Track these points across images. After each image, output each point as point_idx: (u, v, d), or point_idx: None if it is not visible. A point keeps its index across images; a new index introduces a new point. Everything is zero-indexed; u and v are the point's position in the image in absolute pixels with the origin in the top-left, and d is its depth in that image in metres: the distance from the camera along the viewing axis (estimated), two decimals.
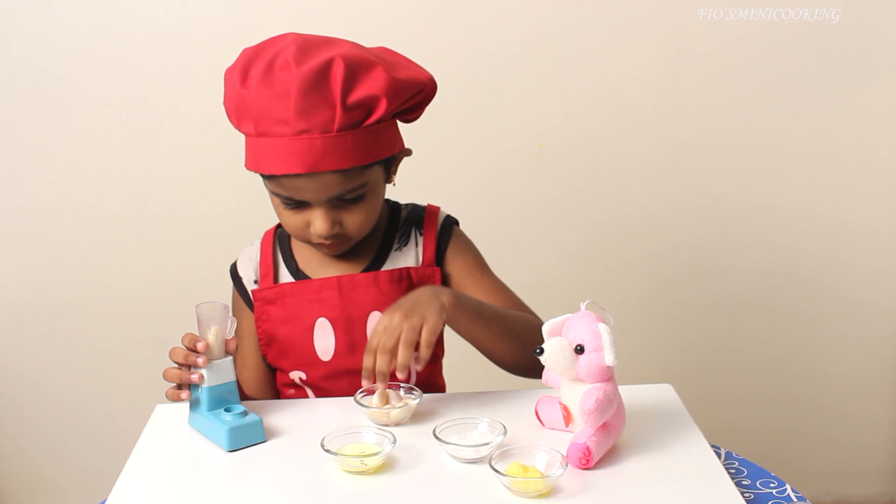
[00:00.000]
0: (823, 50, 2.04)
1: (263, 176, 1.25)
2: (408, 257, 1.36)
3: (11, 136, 2.07)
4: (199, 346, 1.16)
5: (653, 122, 2.08)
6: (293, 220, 1.26)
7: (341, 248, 1.31)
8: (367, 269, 1.34)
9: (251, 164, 1.23)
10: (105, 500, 1.08)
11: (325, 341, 1.33)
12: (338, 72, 1.16)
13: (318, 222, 1.24)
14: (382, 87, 1.19)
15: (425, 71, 1.29)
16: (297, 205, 1.25)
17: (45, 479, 2.28)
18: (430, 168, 2.05)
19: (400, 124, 1.32)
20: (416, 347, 1.16)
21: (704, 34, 2.03)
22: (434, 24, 2.01)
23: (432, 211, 1.40)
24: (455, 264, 1.38)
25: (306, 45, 1.19)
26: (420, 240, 1.37)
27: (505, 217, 2.13)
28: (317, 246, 1.30)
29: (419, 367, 1.18)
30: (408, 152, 1.33)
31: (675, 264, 2.18)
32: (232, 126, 1.26)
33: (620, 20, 2.02)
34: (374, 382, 1.18)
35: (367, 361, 1.18)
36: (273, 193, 1.26)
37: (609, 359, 1.06)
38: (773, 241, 2.16)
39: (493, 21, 2.02)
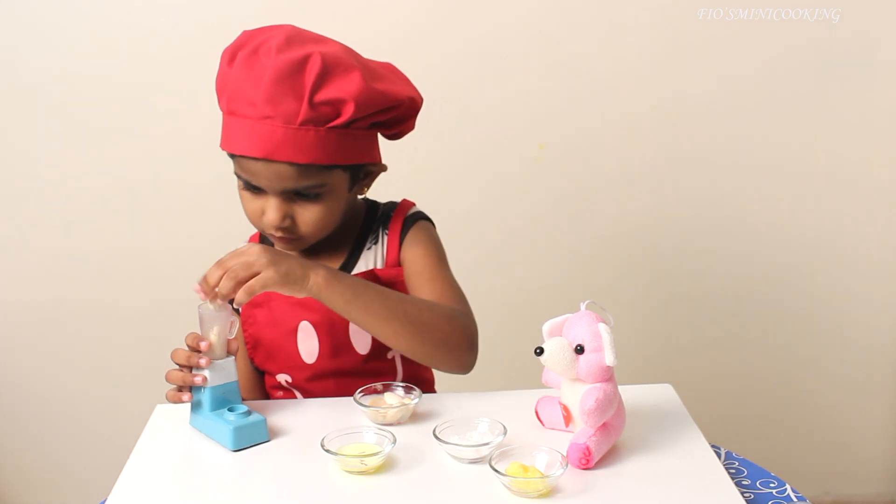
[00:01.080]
0: (823, 50, 2.04)
1: (230, 156, 1.26)
2: (377, 255, 1.36)
3: (12, 140, 2.07)
4: (203, 345, 1.16)
5: (653, 122, 2.09)
6: (250, 206, 1.27)
7: (294, 245, 1.30)
8: (341, 269, 1.34)
9: (221, 142, 1.25)
10: (105, 500, 1.08)
11: (308, 344, 1.33)
12: (313, 67, 1.17)
13: (270, 211, 1.24)
14: (353, 91, 1.18)
15: (413, 90, 1.29)
16: (255, 190, 1.25)
17: (45, 479, 2.28)
18: (430, 168, 2.05)
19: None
20: None
21: (704, 34, 2.03)
22: (435, 24, 2.02)
23: (401, 208, 1.39)
24: (407, 255, 1.35)
25: (296, 37, 1.21)
26: (385, 239, 1.37)
27: (505, 217, 2.13)
28: (271, 238, 1.31)
29: (230, 304, 1.16)
30: (382, 168, 1.33)
31: (676, 264, 2.18)
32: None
33: (620, 20, 2.02)
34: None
35: (211, 273, 1.14)
36: (236, 174, 1.27)
37: (609, 359, 1.06)
38: (774, 240, 2.16)
39: (493, 21, 2.02)
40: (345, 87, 1.18)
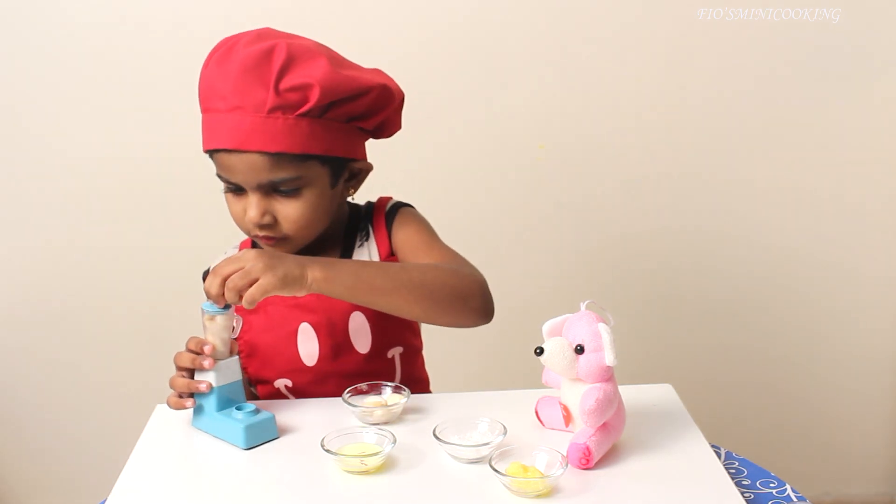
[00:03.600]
0: (823, 50, 2.04)
1: (210, 158, 1.27)
2: (370, 252, 1.36)
3: (12, 136, 2.07)
4: (206, 348, 1.15)
5: (653, 122, 2.09)
6: (234, 207, 1.28)
7: (281, 247, 1.29)
8: None
9: (202, 144, 1.26)
10: (105, 500, 1.08)
11: (309, 346, 1.33)
12: (279, 56, 1.19)
13: (250, 209, 1.24)
14: (318, 76, 1.19)
15: (388, 80, 1.28)
16: (236, 191, 1.26)
17: (44, 479, 2.28)
18: (430, 169, 2.05)
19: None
20: None
21: (704, 34, 2.03)
22: (435, 23, 2.01)
23: (380, 204, 1.40)
24: (398, 239, 1.36)
25: (267, 34, 1.23)
26: (372, 234, 1.37)
27: (505, 217, 2.13)
28: (257, 240, 1.31)
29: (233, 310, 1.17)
30: (367, 167, 1.33)
31: (676, 264, 2.18)
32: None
33: (620, 20, 2.02)
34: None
35: (210, 285, 1.13)
36: (217, 176, 1.27)
37: (609, 359, 1.06)
38: (773, 241, 2.16)
39: (493, 21, 2.02)
40: (310, 73, 1.19)
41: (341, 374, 1.33)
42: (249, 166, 1.21)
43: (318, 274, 1.15)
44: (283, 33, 1.26)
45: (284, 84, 1.18)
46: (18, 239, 2.13)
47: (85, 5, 1.99)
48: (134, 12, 2.00)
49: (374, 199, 1.43)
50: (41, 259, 2.14)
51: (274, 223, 1.26)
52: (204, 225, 2.09)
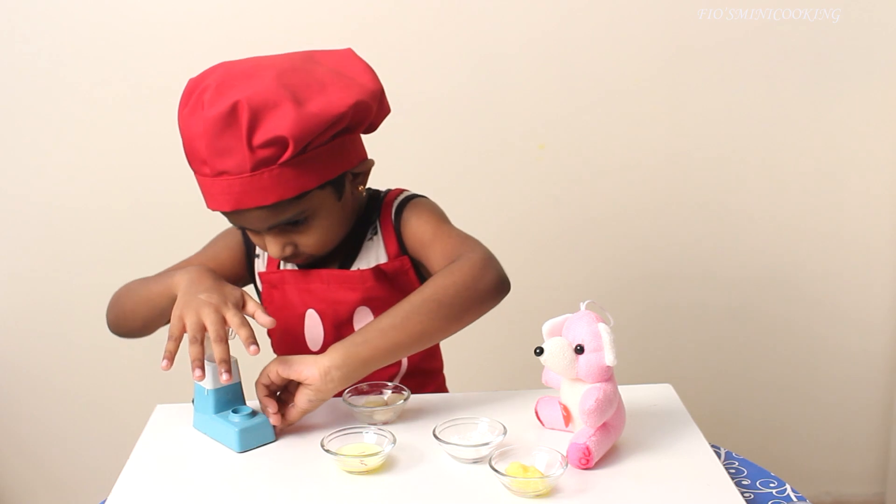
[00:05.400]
0: (823, 50, 2.04)
1: None
2: (378, 249, 1.35)
3: (12, 133, 2.07)
4: (196, 374, 1.15)
5: (653, 122, 2.08)
6: (255, 240, 1.31)
7: (308, 259, 1.32)
8: (343, 260, 1.35)
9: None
10: (105, 500, 1.08)
11: (314, 332, 1.34)
12: (243, 115, 1.16)
13: (270, 247, 1.27)
14: (288, 126, 1.16)
15: (362, 88, 1.23)
16: (251, 229, 1.28)
17: (44, 480, 2.28)
18: (429, 168, 2.05)
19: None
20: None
21: (704, 34, 2.03)
22: (435, 23, 2.01)
23: (388, 201, 1.37)
24: (407, 235, 1.34)
25: (225, 83, 1.19)
26: (381, 230, 1.36)
27: (504, 217, 2.13)
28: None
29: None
30: (368, 164, 1.32)
31: (676, 264, 2.18)
32: None
33: (620, 20, 2.02)
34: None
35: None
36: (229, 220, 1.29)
37: (609, 359, 1.06)
38: (773, 241, 2.16)
39: (494, 21, 2.02)
40: (278, 125, 1.17)
41: None
42: (254, 218, 1.23)
43: (337, 374, 1.15)
44: (240, 70, 1.21)
45: (257, 141, 1.17)
46: (19, 237, 2.12)
47: (84, 6, 1.99)
48: (136, 12, 2.00)
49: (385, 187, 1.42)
50: (42, 257, 2.13)
51: (296, 250, 1.28)
52: (203, 226, 2.09)
